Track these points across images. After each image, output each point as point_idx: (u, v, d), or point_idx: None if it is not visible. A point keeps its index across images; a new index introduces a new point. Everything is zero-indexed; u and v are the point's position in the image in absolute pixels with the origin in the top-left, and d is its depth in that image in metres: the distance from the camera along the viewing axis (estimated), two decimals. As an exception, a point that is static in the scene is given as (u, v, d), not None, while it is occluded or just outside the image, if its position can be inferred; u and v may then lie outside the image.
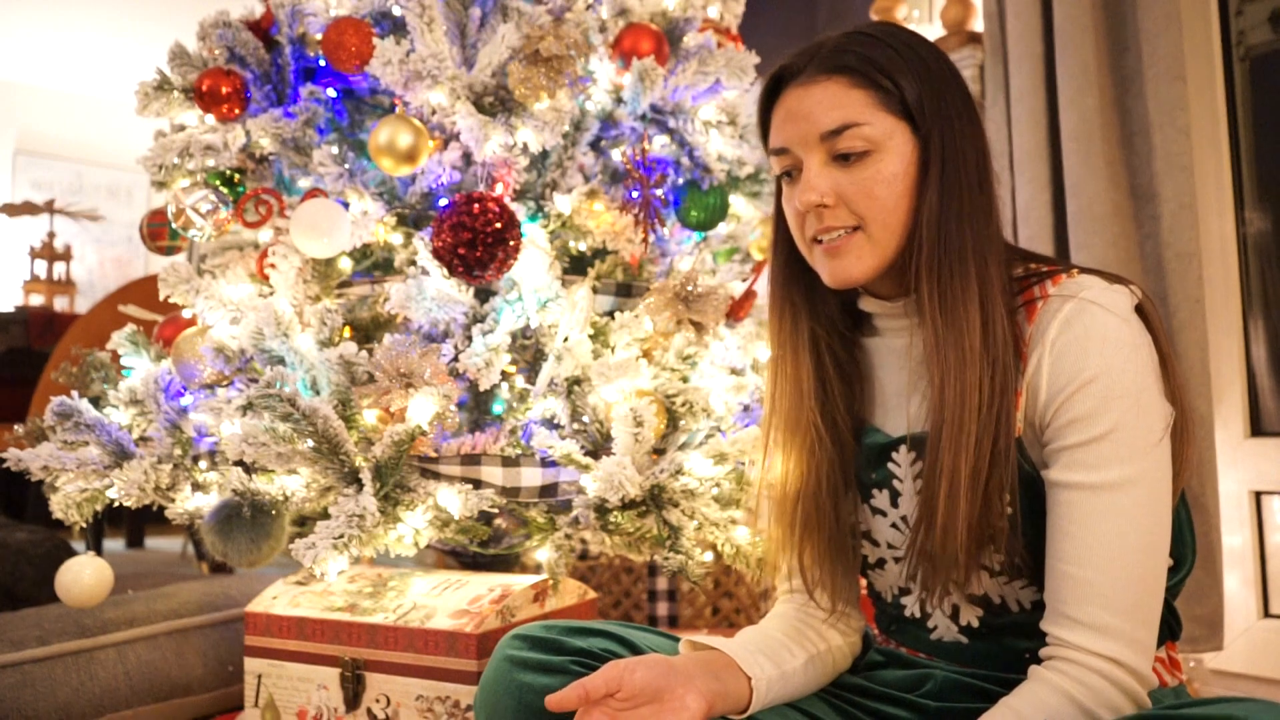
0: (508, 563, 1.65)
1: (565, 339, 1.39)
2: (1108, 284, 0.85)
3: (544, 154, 1.54)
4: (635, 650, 0.96)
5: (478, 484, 1.33)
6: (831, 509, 0.97)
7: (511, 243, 1.33)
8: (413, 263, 1.46)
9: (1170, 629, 0.93)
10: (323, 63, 1.57)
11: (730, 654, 0.91)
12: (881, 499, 0.96)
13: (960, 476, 0.82)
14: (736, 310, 1.48)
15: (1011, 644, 0.91)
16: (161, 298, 1.54)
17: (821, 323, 0.98)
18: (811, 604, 1.00)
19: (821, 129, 0.87)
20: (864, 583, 1.05)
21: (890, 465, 0.95)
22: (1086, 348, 0.81)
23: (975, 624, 0.92)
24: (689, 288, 1.41)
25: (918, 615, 0.96)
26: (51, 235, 5.30)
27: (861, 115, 0.86)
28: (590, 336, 1.41)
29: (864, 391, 1.00)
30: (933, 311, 0.85)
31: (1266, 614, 1.97)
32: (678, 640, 1.03)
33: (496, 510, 1.37)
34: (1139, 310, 0.86)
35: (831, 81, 0.87)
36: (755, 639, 0.97)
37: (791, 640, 0.98)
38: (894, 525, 0.96)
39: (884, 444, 0.95)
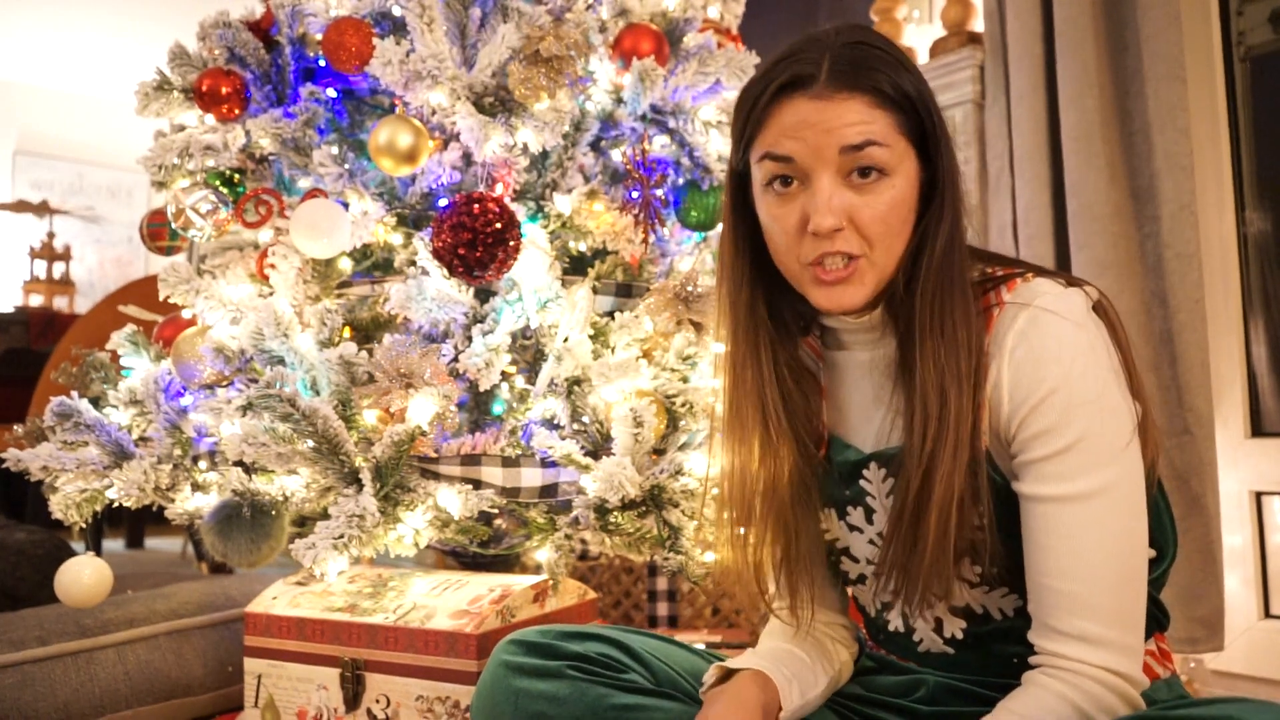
0: (508, 563, 1.65)
1: (565, 339, 1.39)
2: (1062, 288, 0.84)
3: (544, 154, 1.54)
4: (632, 654, 0.96)
5: (478, 484, 1.33)
6: (795, 522, 0.95)
7: (511, 243, 1.33)
8: (413, 263, 1.46)
9: (1157, 621, 0.93)
10: (323, 63, 1.57)
11: (774, 680, 0.92)
12: (857, 516, 0.95)
13: (954, 489, 0.81)
14: (736, 310, 1.48)
15: (999, 650, 0.91)
16: (161, 298, 1.54)
17: (781, 338, 0.95)
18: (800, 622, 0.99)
19: (844, 142, 0.82)
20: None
21: (862, 483, 0.94)
22: (1043, 358, 0.81)
23: (959, 635, 0.92)
24: (689, 288, 1.41)
25: (902, 629, 0.96)
26: (51, 235, 5.31)
27: (884, 136, 0.83)
28: (590, 337, 1.41)
29: (829, 405, 0.98)
30: (933, 331, 0.83)
31: (1267, 614, 1.97)
32: (675, 642, 1.03)
33: (496, 510, 1.37)
34: (1098, 309, 0.85)
35: (854, 99, 0.83)
36: (789, 661, 0.96)
37: (817, 664, 0.98)
38: (871, 542, 0.95)
39: (855, 461, 0.94)
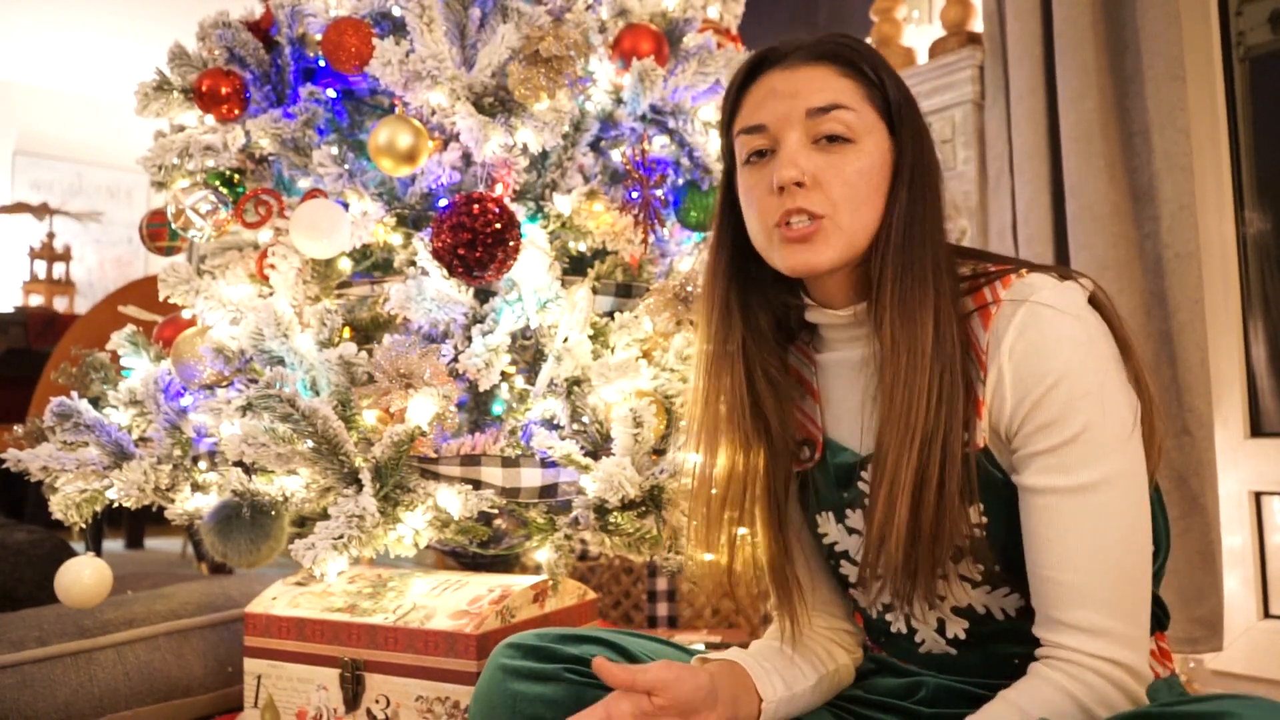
0: (507, 563, 1.65)
1: (565, 339, 1.39)
2: (1058, 282, 0.84)
3: (544, 154, 1.54)
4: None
5: (477, 484, 1.33)
6: (776, 526, 0.95)
7: (511, 243, 1.33)
8: (412, 263, 1.46)
9: (1158, 620, 0.93)
10: (322, 63, 1.57)
11: (749, 671, 0.92)
12: (855, 519, 0.95)
13: (902, 478, 0.81)
14: (736, 311, 1.47)
15: (1000, 650, 0.91)
16: (161, 298, 1.54)
17: (757, 340, 0.96)
18: (806, 624, 0.99)
19: (810, 105, 0.86)
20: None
21: (859, 484, 0.93)
22: (1044, 351, 0.81)
23: (962, 635, 0.92)
24: (689, 288, 1.40)
25: (904, 630, 0.95)
26: (51, 235, 5.31)
27: (850, 100, 0.86)
28: (590, 337, 1.41)
29: (824, 409, 0.97)
30: (891, 314, 0.84)
31: (1266, 614, 1.97)
32: (672, 645, 1.03)
33: (496, 511, 1.37)
34: (1093, 300, 0.85)
35: (820, 66, 0.88)
36: (772, 656, 0.96)
37: (804, 661, 0.98)
38: None
39: (850, 463, 0.94)
